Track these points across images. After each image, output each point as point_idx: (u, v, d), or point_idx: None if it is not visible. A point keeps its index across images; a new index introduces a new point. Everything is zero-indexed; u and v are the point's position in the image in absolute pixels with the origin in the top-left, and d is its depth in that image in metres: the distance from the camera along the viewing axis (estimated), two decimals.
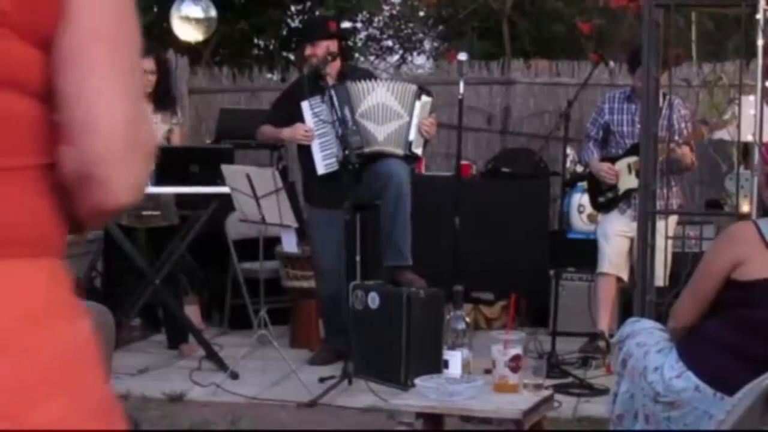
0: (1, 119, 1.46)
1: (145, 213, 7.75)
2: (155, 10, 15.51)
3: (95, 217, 1.59)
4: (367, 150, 7.27)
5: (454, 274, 6.64)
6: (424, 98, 7.51)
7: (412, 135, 7.42)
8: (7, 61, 1.45)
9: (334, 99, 7.29)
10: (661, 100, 6.78)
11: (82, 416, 1.51)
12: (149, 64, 7.61)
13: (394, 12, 18.46)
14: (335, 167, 7.20)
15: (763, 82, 6.15)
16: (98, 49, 1.48)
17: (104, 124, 1.49)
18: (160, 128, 7.71)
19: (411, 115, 7.42)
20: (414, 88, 7.59)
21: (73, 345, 1.53)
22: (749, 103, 6.60)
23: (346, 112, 7.28)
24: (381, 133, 7.37)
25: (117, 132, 1.50)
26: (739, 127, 6.31)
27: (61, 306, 1.54)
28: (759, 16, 5.95)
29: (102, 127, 1.49)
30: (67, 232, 1.58)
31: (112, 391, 1.63)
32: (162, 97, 7.75)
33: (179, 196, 7.82)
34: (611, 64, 9.12)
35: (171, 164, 7.10)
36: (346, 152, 7.04)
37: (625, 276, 7.73)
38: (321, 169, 7.38)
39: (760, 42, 5.97)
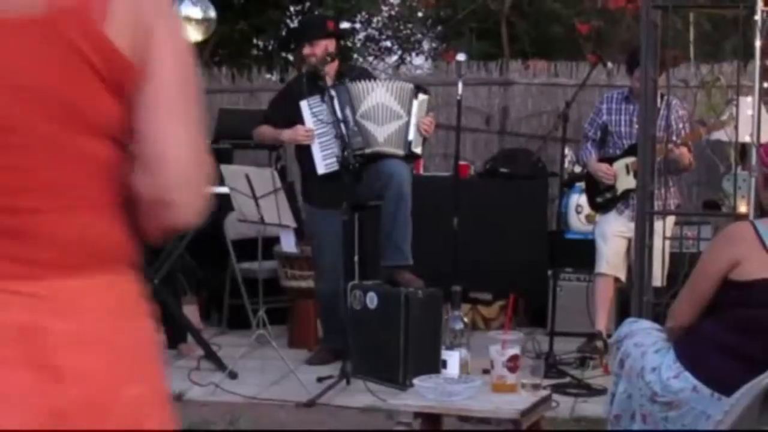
0: (100, 165, 1.87)
1: None
2: None
3: (163, 234, 1.97)
4: (368, 151, 7.27)
5: (452, 275, 6.65)
6: (421, 96, 7.51)
7: (411, 135, 7.43)
8: (104, 115, 1.84)
9: (335, 99, 7.28)
10: (659, 100, 6.77)
11: (156, 402, 1.94)
12: None
13: (393, 12, 18.45)
14: (336, 167, 7.19)
15: (760, 83, 6.15)
16: (169, 99, 1.86)
17: (173, 157, 1.87)
18: None
19: (409, 115, 7.42)
20: (410, 86, 7.59)
21: (147, 339, 1.96)
22: (747, 104, 6.59)
23: (348, 112, 7.28)
24: (381, 134, 7.37)
25: (182, 163, 1.88)
26: (736, 127, 6.31)
27: (137, 307, 1.95)
28: (757, 17, 5.95)
29: (171, 160, 1.87)
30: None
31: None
32: None
33: None
34: (609, 64, 9.12)
35: None
36: (345, 153, 7.03)
37: (622, 276, 7.73)
38: (321, 169, 7.38)
39: (757, 43, 5.97)
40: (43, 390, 1.77)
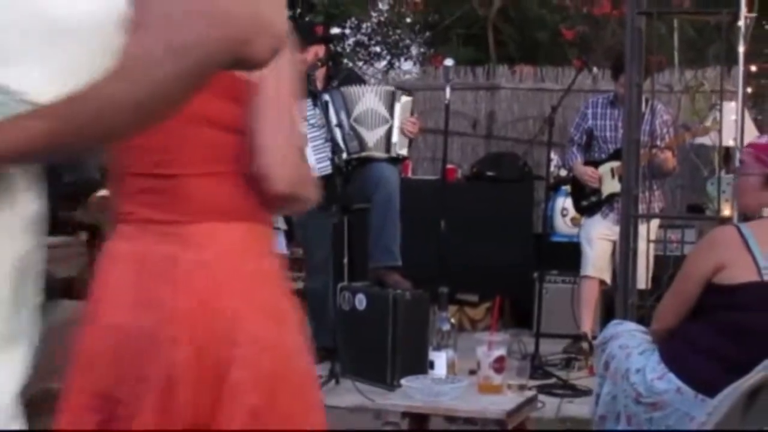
0: (221, 147, 2.57)
1: None
2: None
3: (275, 203, 2.59)
4: (362, 154, 7.28)
5: (439, 276, 6.63)
6: (404, 98, 7.51)
7: (395, 137, 7.42)
8: (227, 114, 2.55)
9: (330, 104, 7.26)
10: (643, 105, 6.77)
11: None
12: None
13: (382, 18, 18.44)
14: (329, 170, 7.18)
15: (744, 88, 6.15)
16: (270, 104, 2.55)
17: (271, 143, 2.54)
18: None
19: (392, 118, 7.42)
20: (392, 89, 7.60)
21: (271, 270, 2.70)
22: (730, 109, 6.60)
23: (343, 116, 7.28)
24: (371, 139, 7.37)
25: (278, 147, 2.55)
26: (720, 132, 6.31)
27: (259, 245, 2.64)
28: (740, 23, 5.95)
29: (270, 145, 2.54)
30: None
31: None
32: None
33: None
34: (594, 70, 9.12)
35: None
36: (337, 157, 7.02)
37: (607, 278, 7.73)
38: (315, 172, 7.36)
39: (741, 49, 5.98)
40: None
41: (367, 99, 7.40)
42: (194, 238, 2.51)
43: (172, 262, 2.47)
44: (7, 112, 1.27)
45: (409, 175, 9.51)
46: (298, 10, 16.62)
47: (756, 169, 4.41)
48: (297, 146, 2.65)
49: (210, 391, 2.38)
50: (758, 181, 4.42)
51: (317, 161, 7.33)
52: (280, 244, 7.14)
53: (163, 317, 2.42)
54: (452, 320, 4.91)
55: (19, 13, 1.29)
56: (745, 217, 4.72)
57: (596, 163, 7.86)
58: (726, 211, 6.54)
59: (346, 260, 7.29)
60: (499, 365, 4.54)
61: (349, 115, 7.30)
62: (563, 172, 8.94)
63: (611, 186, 7.69)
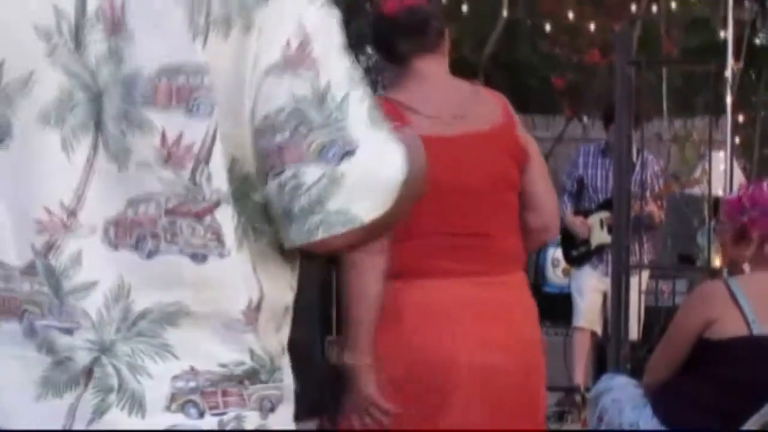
0: (513, 207, 3.46)
1: None
2: None
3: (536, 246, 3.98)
4: None
5: None
6: None
7: None
8: (515, 179, 3.43)
9: None
10: (634, 155, 6.84)
11: None
12: None
13: (370, 64, 18.54)
14: None
15: (732, 138, 6.23)
16: (538, 169, 3.50)
17: (547, 202, 3.52)
18: None
19: None
20: None
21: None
22: (719, 159, 6.67)
23: None
24: None
25: (551, 206, 3.57)
26: (709, 182, 6.38)
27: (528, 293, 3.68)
28: (727, 74, 6.04)
29: (547, 204, 3.52)
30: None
31: None
32: None
33: None
34: (585, 119, 9.19)
35: None
36: None
37: (599, 330, 7.76)
38: None
39: (728, 99, 6.06)
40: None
41: None
42: (513, 284, 3.38)
43: (505, 306, 3.36)
44: None
45: None
46: None
47: (728, 225, 4.47)
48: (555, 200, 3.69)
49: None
50: (731, 236, 4.48)
51: None
52: None
53: (502, 351, 3.32)
54: None
55: None
56: (735, 268, 4.77)
57: (586, 213, 7.90)
58: (717, 262, 6.60)
59: (334, 311, 7.31)
60: None
61: None
62: None
63: (600, 237, 7.72)
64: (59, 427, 1.63)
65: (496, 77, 14.43)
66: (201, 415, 1.66)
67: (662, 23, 11.21)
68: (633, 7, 11.06)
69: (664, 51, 10.95)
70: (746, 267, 4.46)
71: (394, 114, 3.04)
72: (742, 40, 8.58)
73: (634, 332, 6.46)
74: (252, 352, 1.69)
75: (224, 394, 1.68)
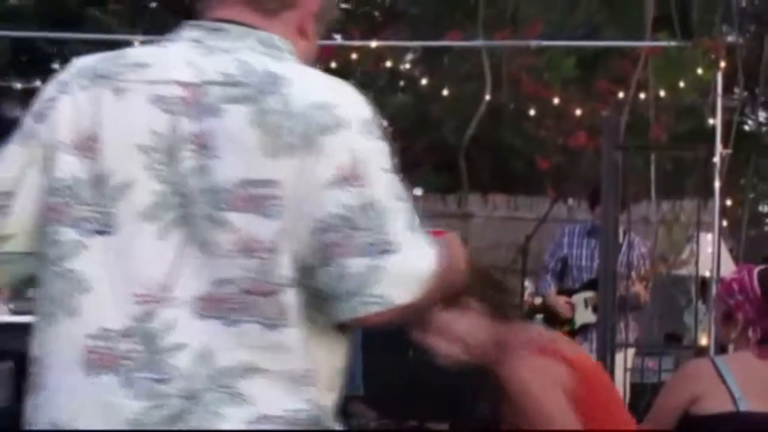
0: None
1: None
2: None
3: None
4: None
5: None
6: None
7: None
8: None
9: None
10: (621, 236, 6.95)
11: None
12: None
13: None
14: None
15: (720, 221, 6.37)
16: None
17: None
18: None
19: None
20: None
21: None
22: (707, 241, 6.80)
23: None
24: None
25: None
26: (696, 263, 6.50)
27: None
28: (715, 159, 6.19)
29: None
30: None
31: None
32: None
33: None
34: (570, 201, 9.31)
35: None
36: None
37: None
38: None
39: (717, 184, 6.19)
40: None
41: None
42: None
43: None
44: None
45: None
46: None
47: (721, 305, 4.61)
48: None
49: None
50: (721, 316, 4.61)
51: None
52: None
53: None
54: None
55: None
56: (722, 347, 4.88)
57: (570, 292, 7.99)
58: (703, 341, 6.70)
59: None
60: None
61: None
62: (537, 301, 9.08)
63: (584, 316, 7.80)
64: None
65: (479, 158, 14.60)
66: None
67: (651, 109, 11.40)
68: (621, 93, 11.25)
69: (653, 135, 11.14)
70: (731, 348, 4.57)
71: None
72: (731, 126, 8.80)
73: None
74: (312, 403, 2.15)
75: None
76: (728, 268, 6.10)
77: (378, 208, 2.15)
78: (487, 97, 12.26)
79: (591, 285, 7.52)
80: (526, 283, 8.32)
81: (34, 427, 2.22)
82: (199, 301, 2.13)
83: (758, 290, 4.23)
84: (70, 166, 2.21)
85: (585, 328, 7.78)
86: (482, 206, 11.66)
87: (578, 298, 7.91)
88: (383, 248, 2.15)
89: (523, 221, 11.04)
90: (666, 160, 12.07)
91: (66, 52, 13.62)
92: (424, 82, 11.79)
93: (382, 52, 10.80)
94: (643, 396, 6.11)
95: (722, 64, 8.78)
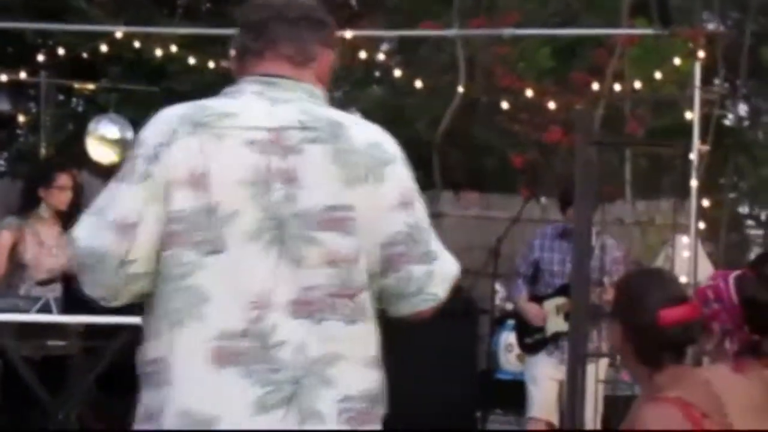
0: None
1: (49, 343, 7.62)
2: (70, 127, 15.54)
3: None
4: None
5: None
6: None
7: None
8: None
9: None
10: (594, 238, 6.86)
11: None
12: (66, 180, 7.67)
13: None
14: None
15: (697, 223, 6.28)
16: None
17: None
18: (65, 251, 7.69)
19: None
20: None
21: None
22: (683, 244, 6.71)
23: None
24: None
25: None
26: (672, 268, 6.41)
27: None
28: (693, 156, 6.09)
29: None
30: None
31: None
32: (73, 217, 7.75)
33: (87, 326, 7.71)
34: (543, 200, 9.23)
35: (80, 292, 7.03)
36: None
37: (555, 420, 7.73)
38: None
39: (693, 183, 6.10)
40: None
41: None
42: None
43: None
44: None
45: None
46: None
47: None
48: None
49: None
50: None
51: None
52: None
53: None
54: None
55: None
56: (697, 360, 4.78)
57: (541, 299, 7.87)
58: None
59: None
60: None
61: None
62: (509, 305, 8.99)
63: (556, 324, 7.69)
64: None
65: (451, 155, 14.54)
66: (360, 423, 2.86)
67: (627, 102, 11.32)
68: (596, 85, 11.16)
69: (629, 130, 11.05)
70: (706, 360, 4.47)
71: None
72: (710, 121, 8.69)
73: (590, 423, 6.45)
74: (377, 382, 2.91)
75: (367, 412, 2.87)
76: (706, 273, 6.00)
77: (422, 226, 2.97)
78: (461, 89, 12.19)
79: (563, 291, 7.42)
80: (498, 286, 8.22)
81: (164, 416, 2.83)
82: (292, 305, 2.83)
83: (735, 298, 4.12)
84: (185, 200, 2.84)
85: (557, 336, 7.66)
86: (455, 205, 11.58)
87: (550, 305, 7.80)
88: (432, 257, 2.97)
89: (496, 221, 10.97)
90: (642, 158, 11.99)
91: (51, 44, 13.56)
92: (398, 73, 11.68)
93: (357, 43, 10.72)
94: (616, 409, 6.02)
95: (701, 53, 8.68)
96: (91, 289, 3.02)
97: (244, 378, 2.80)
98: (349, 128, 2.93)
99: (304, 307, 2.83)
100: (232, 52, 3.17)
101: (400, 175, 2.95)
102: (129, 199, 2.86)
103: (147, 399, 2.93)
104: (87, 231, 2.91)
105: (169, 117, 2.94)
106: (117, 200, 2.88)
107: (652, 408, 3.61)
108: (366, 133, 2.97)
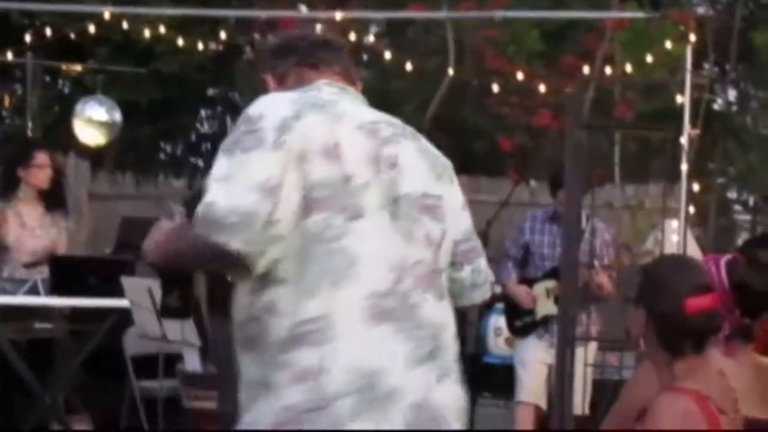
0: None
1: (36, 326, 7.62)
2: (56, 109, 15.50)
3: None
4: None
5: None
6: None
7: None
8: None
9: None
10: (583, 221, 6.85)
11: None
12: (44, 158, 7.64)
13: None
14: None
15: (687, 207, 6.28)
16: None
17: None
18: (48, 232, 7.68)
19: None
20: None
21: None
22: (672, 228, 6.71)
23: None
24: None
25: None
26: (662, 252, 6.42)
27: None
28: (683, 140, 6.09)
29: None
30: None
31: None
32: (54, 197, 7.74)
33: (74, 308, 7.71)
34: (532, 183, 9.21)
35: (67, 274, 7.03)
36: None
37: (543, 404, 7.73)
38: None
39: (684, 167, 6.10)
40: None
41: None
42: None
43: None
44: None
45: None
46: (219, 109, 16.71)
47: None
48: None
49: None
50: None
51: None
52: (195, 361, 7.10)
53: None
54: None
55: None
56: None
57: (531, 282, 7.88)
58: None
59: None
60: None
61: None
62: (498, 289, 8.97)
63: (546, 307, 7.70)
64: (425, 384, 3.13)
65: (440, 138, 14.51)
66: (455, 382, 3.23)
67: (617, 86, 11.32)
68: (586, 69, 11.15)
69: (619, 114, 11.06)
70: None
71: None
72: (699, 105, 8.70)
73: (578, 407, 6.46)
74: (456, 347, 3.24)
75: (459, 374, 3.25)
76: (695, 257, 6.01)
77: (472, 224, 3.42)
78: (450, 72, 12.17)
79: (553, 274, 7.43)
80: None
81: (328, 373, 3.00)
82: (414, 272, 3.15)
83: (726, 282, 4.14)
84: (324, 167, 3.04)
85: (547, 319, 7.67)
86: None
87: (539, 288, 7.81)
88: (481, 252, 3.42)
89: (484, 204, 10.95)
90: (631, 141, 11.99)
91: (38, 24, 13.50)
92: (387, 56, 11.65)
93: (345, 26, 10.70)
94: (604, 394, 6.03)
95: (692, 37, 8.68)
96: (237, 244, 2.95)
97: (397, 334, 3.07)
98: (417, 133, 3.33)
99: (418, 279, 3.15)
100: (271, 63, 3.43)
101: (457, 181, 3.39)
102: (267, 164, 2.99)
103: (302, 359, 3.02)
104: (224, 194, 2.96)
105: (283, 97, 3.18)
106: (252, 166, 2.99)
107: (670, 399, 3.61)
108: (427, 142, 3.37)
